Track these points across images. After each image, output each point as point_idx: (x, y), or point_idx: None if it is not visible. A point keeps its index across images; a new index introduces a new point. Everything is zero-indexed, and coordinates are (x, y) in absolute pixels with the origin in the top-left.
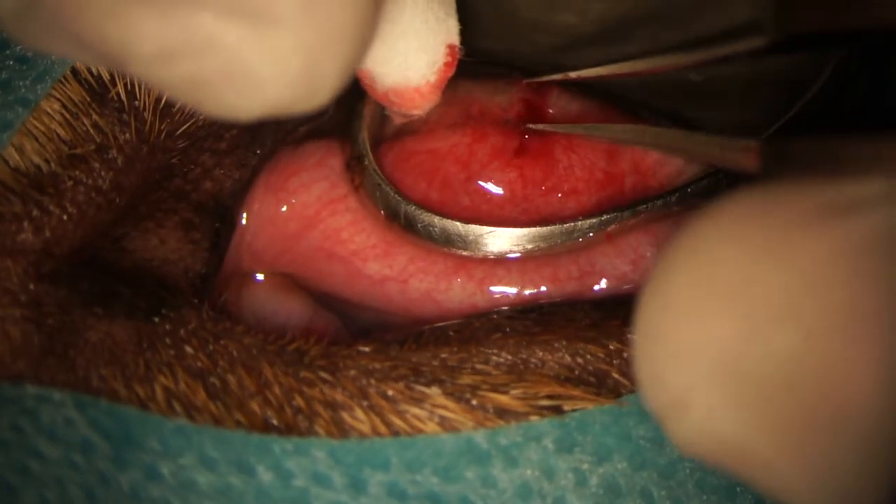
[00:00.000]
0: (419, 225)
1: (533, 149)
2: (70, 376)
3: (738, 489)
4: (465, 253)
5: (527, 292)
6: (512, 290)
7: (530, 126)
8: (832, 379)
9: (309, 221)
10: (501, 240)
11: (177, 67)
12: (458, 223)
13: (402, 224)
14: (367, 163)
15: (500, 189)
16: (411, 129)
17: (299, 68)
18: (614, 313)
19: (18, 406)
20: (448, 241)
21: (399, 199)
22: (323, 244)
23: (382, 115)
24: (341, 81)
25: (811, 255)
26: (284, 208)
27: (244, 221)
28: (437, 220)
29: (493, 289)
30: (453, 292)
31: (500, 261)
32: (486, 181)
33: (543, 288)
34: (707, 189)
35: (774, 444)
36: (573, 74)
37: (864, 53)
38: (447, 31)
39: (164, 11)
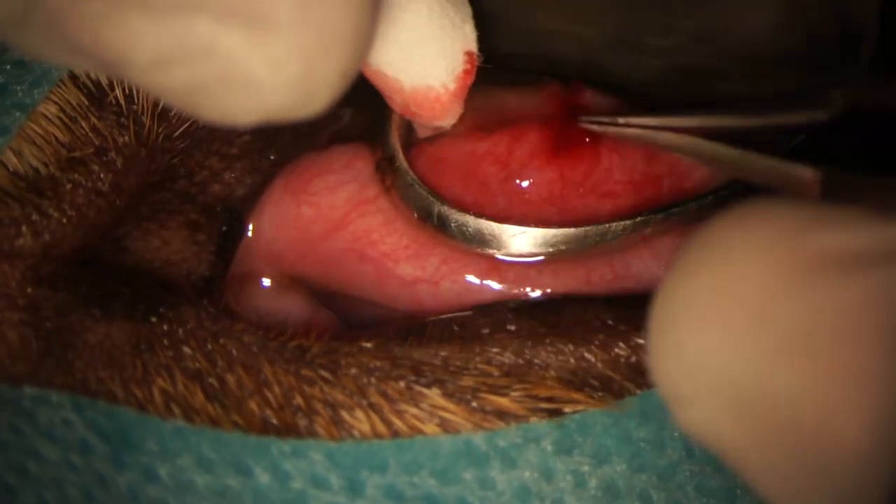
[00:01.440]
0: (452, 225)
1: (573, 148)
2: (68, 379)
3: (737, 492)
4: (497, 253)
5: (559, 296)
6: (545, 293)
7: (586, 123)
8: (829, 421)
9: (337, 223)
10: (535, 240)
11: (174, 74)
12: (492, 223)
13: (434, 224)
14: (398, 163)
15: (539, 189)
16: (444, 132)
17: (297, 73)
18: (623, 316)
19: (17, 407)
20: (481, 242)
21: (432, 198)
22: (353, 245)
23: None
24: (340, 86)
25: (833, 301)
26: (308, 210)
27: (259, 224)
28: (471, 219)
29: (525, 290)
30: (485, 294)
31: (533, 262)
32: (524, 181)
33: (576, 290)
34: (740, 193)
35: (767, 462)
36: (621, 120)
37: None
38: (464, 38)
39: (160, 17)
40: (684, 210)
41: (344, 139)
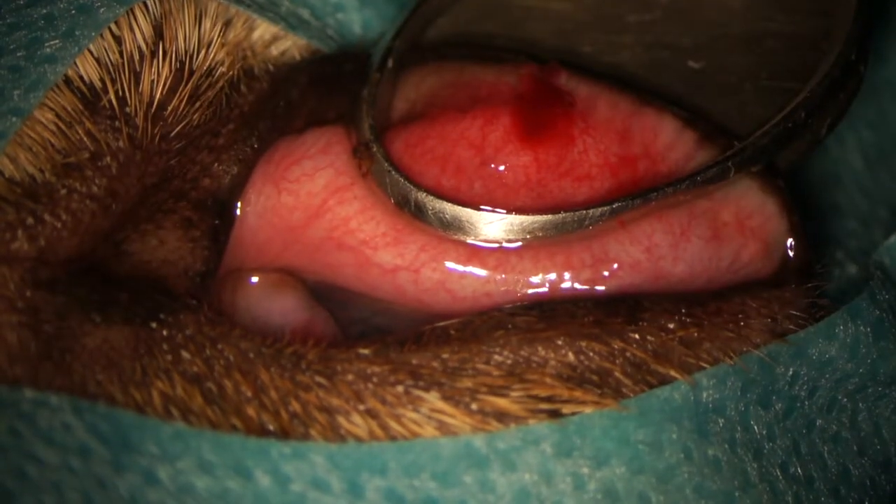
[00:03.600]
0: (430, 211)
1: (546, 131)
2: (66, 381)
3: (736, 494)
4: (475, 240)
5: (540, 280)
6: (525, 278)
7: None
8: None
9: (315, 211)
10: (512, 227)
11: None
12: (469, 209)
13: (411, 211)
14: (375, 149)
15: (515, 174)
16: (419, 113)
17: None
18: (616, 311)
19: (16, 410)
20: (459, 228)
21: (409, 185)
22: (331, 234)
23: (389, 100)
24: None
25: None
26: (288, 198)
27: (244, 214)
28: (448, 206)
29: (506, 276)
30: (467, 281)
31: (512, 248)
32: (500, 165)
33: (556, 275)
34: (716, 176)
35: None
36: None
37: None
38: None
39: None
40: (662, 194)
41: (320, 122)
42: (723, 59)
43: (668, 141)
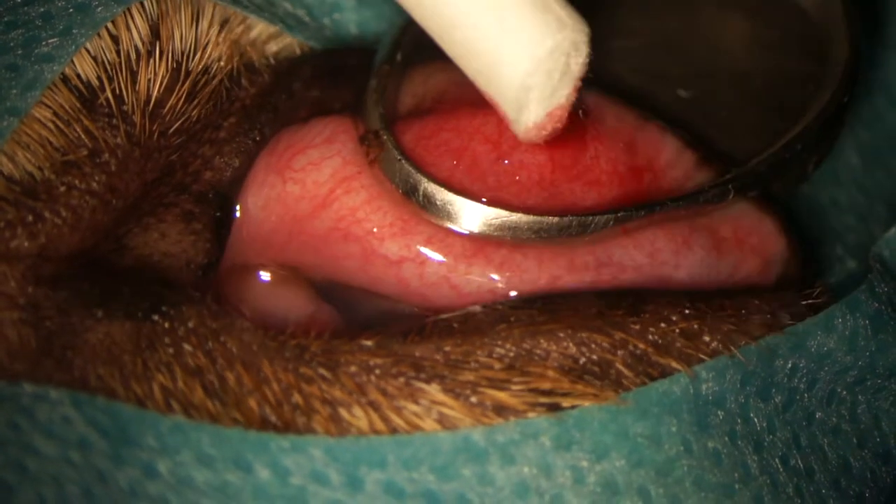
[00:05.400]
0: (438, 203)
1: (563, 132)
2: (67, 376)
3: (736, 486)
4: (483, 235)
5: (543, 280)
6: (528, 277)
7: None
8: None
9: (322, 201)
10: (519, 225)
11: None
12: (477, 204)
13: (419, 201)
14: (385, 137)
15: (530, 172)
16: (427, 109)
17: None
18: (619, 303)
19: (15, 404)
20: (467, 222)
21: (420, 175)
22: (338, 224)
23: (396, 94)
24: None
25: None
26: (293, 188)
27: (245, 206)
28: (457, 199)
29: (510, 274)
30: (472, 276)
31: (518, 246)
32: (515, 162)
33: (559, 275)
34: (716, 197)
35: None
36: None
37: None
38: None
39: None
40: (666, 208)
41: (324, 113)
42: (712, 93)
43: (670, 158)
